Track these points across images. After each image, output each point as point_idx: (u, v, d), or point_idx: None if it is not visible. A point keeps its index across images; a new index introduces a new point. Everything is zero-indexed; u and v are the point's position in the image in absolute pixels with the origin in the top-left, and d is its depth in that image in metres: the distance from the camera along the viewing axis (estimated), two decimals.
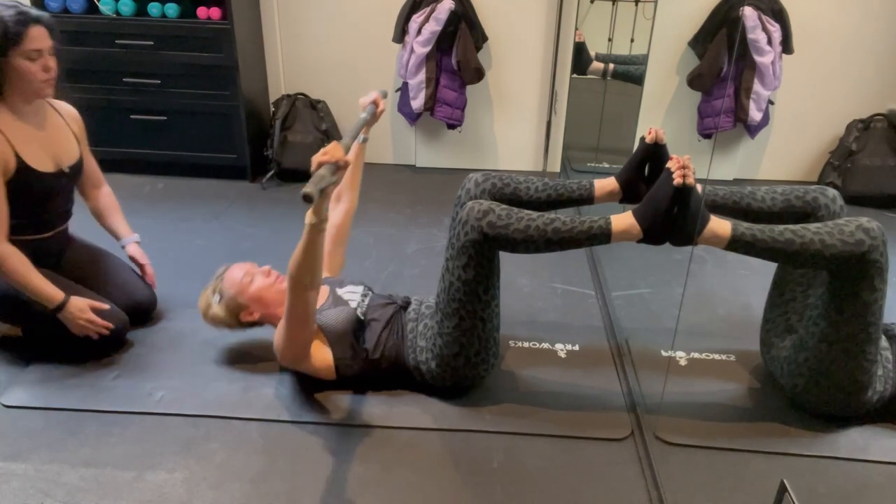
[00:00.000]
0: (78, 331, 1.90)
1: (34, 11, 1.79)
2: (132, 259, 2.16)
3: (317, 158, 1.48)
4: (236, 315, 1.89)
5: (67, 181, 2.00)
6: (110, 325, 1.92)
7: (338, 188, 2.09)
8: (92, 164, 2.15)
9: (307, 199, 1.40)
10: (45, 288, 1.85)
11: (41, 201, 1.93)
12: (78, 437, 1.68)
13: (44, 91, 1.85)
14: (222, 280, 1.90)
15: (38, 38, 1.78)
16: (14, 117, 1.85)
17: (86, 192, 2.17)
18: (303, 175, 3.38)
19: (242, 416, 1.76)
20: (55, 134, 1.97)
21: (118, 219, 2.19)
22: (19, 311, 1.93)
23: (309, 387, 1.86)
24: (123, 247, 2.17)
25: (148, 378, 1.90)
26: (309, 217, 1.51)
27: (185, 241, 2.06)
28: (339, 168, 1.50)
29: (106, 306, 1.93)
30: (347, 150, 1.59)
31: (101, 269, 2.12)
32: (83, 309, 1.88)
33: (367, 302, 1.91)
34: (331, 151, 1.49)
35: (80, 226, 2.15)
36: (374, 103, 1.94)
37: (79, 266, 2.07)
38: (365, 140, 2.05)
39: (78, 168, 2.04)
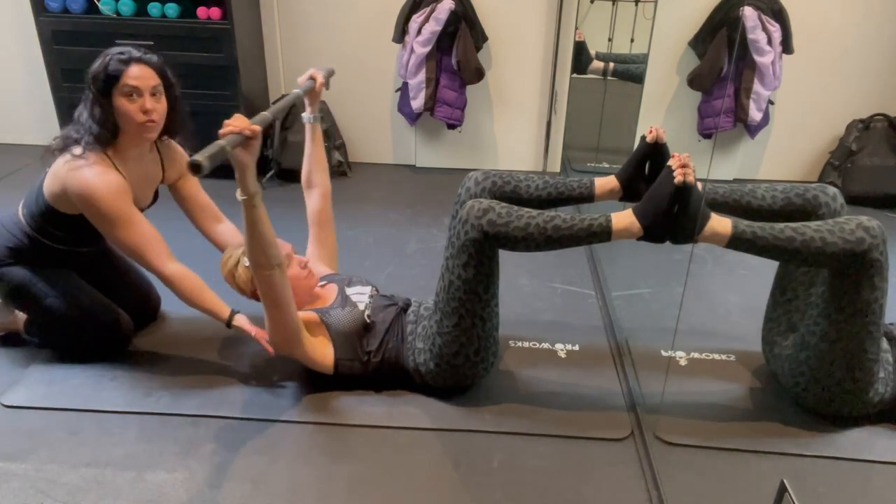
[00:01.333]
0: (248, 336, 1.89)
1: (141, 53, 1.77)
2: None
3: (222, 130, 1.47)
4: (255, 286, 1.88)
5: None
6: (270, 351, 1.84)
7: (305, 172, 2.10)
8: (205, 199, 2.09)
9: (194, 167, 1.36)
10: (215, 307, 1.85)
11: (101, 237, 1.93)
12: (78, 437, 1.68)
13: (144, 134, 1.79)
14: None
15: (138, 76, 1.73)
16: (123, 161, 1.82)
17: (205, 227, 2.09)
18: None
19: (242, 416, 1.76)
20: (145, 180, 1.93)
21: None
22: (29, 300, 1.92)
23: (309, 387, 1.86)
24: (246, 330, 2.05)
25: (148, 378, 1.90)
26: (238, 194, 1.51)
27: (185, 240, 2.05)
28: (247, 138, 1.48)
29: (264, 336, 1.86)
30: (265, 122, 1.57)
31: (109, 270, 2.12)
32: (247, 329, 1.87)
33: (372, 303, 1.91)
34: (233, 121, 1.47)
35: None
36: (312, 78, 1.98)
37: (87, 266, 2.07)
38: (316, 119, 2.07)
39: (142, 211, 2.00)
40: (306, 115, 2.06)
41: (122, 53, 1.74)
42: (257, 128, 1.51)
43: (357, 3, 3.51)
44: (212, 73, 3.26)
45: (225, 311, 1.86)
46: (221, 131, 1.46)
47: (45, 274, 1.92)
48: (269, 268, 1.60)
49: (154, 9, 3.18)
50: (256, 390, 1.86)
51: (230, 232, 2.10)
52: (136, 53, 1.76)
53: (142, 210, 1.97)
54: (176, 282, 1.81)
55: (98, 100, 1.74)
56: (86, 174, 1.73)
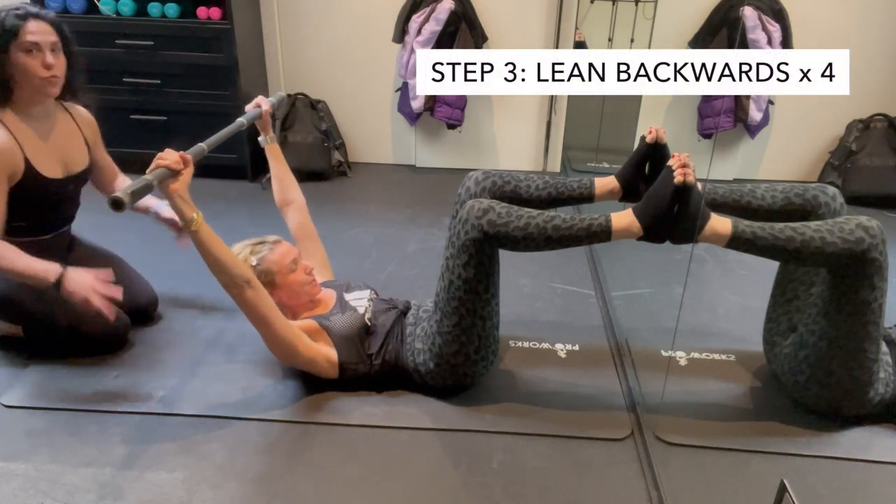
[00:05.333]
0: (82, 306, 1.72)
1: (38, 9, 1.77)
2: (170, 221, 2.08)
3: (151, 166, 1.53)
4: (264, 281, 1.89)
5: (74, 187, 1.98)
6: (116, 299, 1.73)
7: (277, 192, 2.17)
8: (107, 159, 2.13)
9: (116, 203, 1.39)
10: (35, 268, 1.70)
11: (46, 207, 1.92)
12: (78, 437, 1.68)
13: (46, 90, 1.79)
14: (271, 250, 1.86)
15: (37, 32, 1.74)
16: (23, 120, 1.81)
17: (108, 187, 2.13)
18: (302, 176, 3.38)
19: (242, 416, 1.76)
20: (65, 139, 1.93)
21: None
22: (19, 310, 1.93)
23: (309, 387, 1.86)
24: (157, 213, 2.10)
25: (148, 378, 1.90)
26: (180, 222, 1.56)
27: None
28: (174, 173, 1.54)
29: (118, 295, 1.76)
30: (199, 154, 1.65)
31: (105, 270, 2.11)
32: (82, 284, 1.71)
33: (372, 307, 1.92)
34: (163, 155, 1.54)
35: (85, 227, 2.15)
36: (258, 105, 2.08)
37: (82, 267, 2.07)
38: (272, 140, 2.16)
39: (86, 175, 2.02)
40: (261, 139, 2.15)
41: (17, 9, 1.74)
42: (189, 159, 1.58)
43: (357, 4, 3.51)
44: (212, 73, 3.26)
45: (51, 271, 1.69)
46: (153, 164, 1.53)
47: None
48: (235, 287, 1.62)
49: (154, 9, 3.18)
50: (256, 390, 1.86)
51: (124, 183, 2.12)
52: (32, 9, 1.76)
53: (77, 175, 1.96)
54: None
55: None
56: None
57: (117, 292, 1.76)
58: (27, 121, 1.82)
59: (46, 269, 1.71)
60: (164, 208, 2.12)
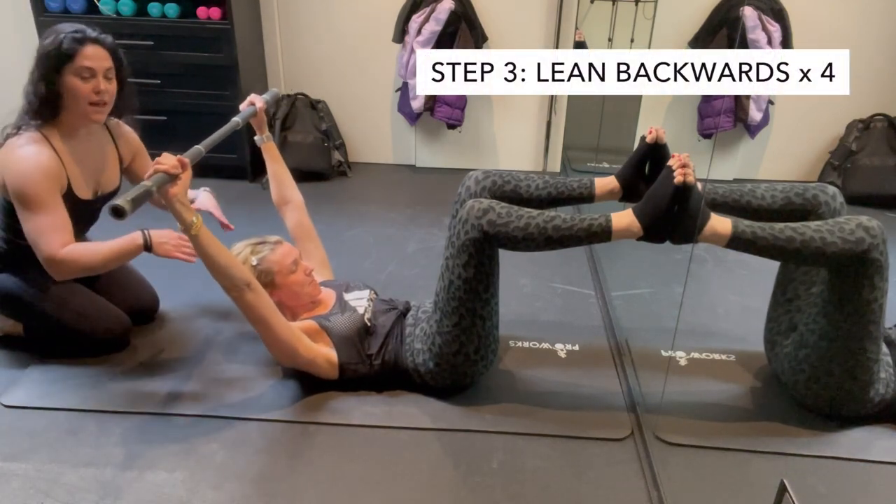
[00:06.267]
0: (167, 255, 1.83)
1: (96, 33, 1.75)
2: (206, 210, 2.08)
3: (149, 171, 1.53)
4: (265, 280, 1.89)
5: (101, 206, 1.99)
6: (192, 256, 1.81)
7: (275, 191, 2.16)
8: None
9: (116, 211, 1.40)
10: (121, 246, 1.77)
11: (72, 223, 1.92)
12: (78, 437, 1.68)
13: (93, 115, 1.78)
14: (272, 251, 1.87)
15: (93, 57, 1.73)
16: (67, 140, 1.80)
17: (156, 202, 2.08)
18: (302, 176, 3.38)
19: (242, 416, 1.76)
20: (102, 161, 1.93)
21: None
22: (22, 308, 1.93)
23: (309, 387, 1.86)
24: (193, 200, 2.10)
25: (148, 378, 1.90)
26: (180, 228, 1.56)
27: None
28: (172, 177, 1.53)
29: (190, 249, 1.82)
30: (196, 157, 1.65)
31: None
32: (166, 239, 1.83)
33: (372, 307, 1.92)
34: (161, 160, 1.53)
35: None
36: (251, 104, 2.07)
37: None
38: (268, 139, 2.15)
39: (114, 195, 2.01)
40: (257, 138, 2.14)
41: (76, 32, 1.72)
42: (187, 162, 1.58)
43: (357, 4, 3.51)
44: (212, 73, 3.26)
45: (137, 240, 1.78)
46: (147, 172, 1.52)
47: (34, 278, 1.90)
48: (236, 289, 1.62)
49: (154, 9, 3.18)
50: (256, 390, 1.86)
51: None
52: (91, 33, 1.75)
53: (106, 195, 1.97)
54: (69, 260, 1.72)
55: (46, 76, 1.71)
56: (17, 154, 1.70)
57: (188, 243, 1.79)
58: (69, 141, 1.81)
59: (131, 240, 1.79)
60: (201, 202, 2.10)
